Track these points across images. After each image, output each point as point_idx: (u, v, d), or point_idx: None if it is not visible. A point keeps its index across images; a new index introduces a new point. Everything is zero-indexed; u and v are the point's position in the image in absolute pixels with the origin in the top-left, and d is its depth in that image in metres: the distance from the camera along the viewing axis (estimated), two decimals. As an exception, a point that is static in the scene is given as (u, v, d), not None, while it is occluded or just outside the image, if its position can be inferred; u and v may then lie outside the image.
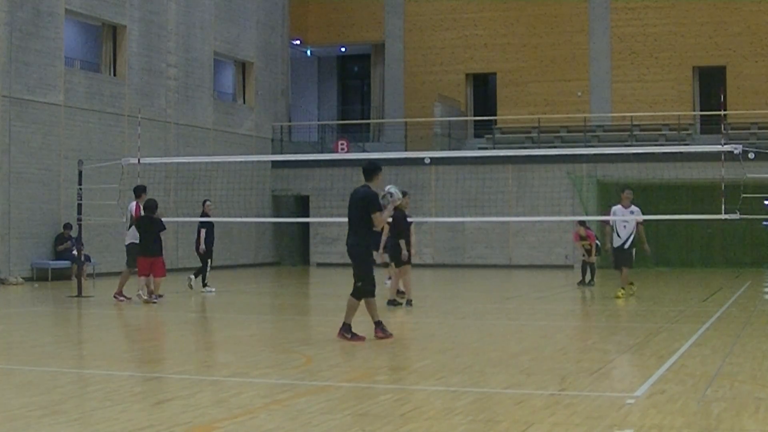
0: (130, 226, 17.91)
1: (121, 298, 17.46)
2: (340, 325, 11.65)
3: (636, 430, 6.59)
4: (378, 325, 11.73)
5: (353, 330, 11.59)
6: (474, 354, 10.66)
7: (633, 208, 17.80)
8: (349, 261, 11.72)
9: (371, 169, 11.73)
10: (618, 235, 17.96)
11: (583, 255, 21.85)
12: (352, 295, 11.67)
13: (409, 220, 16.76)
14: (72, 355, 11.35)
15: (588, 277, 21.62)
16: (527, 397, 7.89)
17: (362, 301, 11.67)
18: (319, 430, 6.69)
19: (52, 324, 15.42)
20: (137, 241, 17.40)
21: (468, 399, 7.89)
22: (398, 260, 16.35)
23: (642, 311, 16.48)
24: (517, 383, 8.62)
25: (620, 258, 18.01)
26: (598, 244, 21.84)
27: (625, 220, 17.71)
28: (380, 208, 11.54)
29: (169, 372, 9.53)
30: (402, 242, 16.22)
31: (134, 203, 17.96)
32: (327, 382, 8.69)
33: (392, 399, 7.88)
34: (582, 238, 21.75)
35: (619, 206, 17.93)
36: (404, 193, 16.73)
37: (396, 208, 16.47)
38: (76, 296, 18.46)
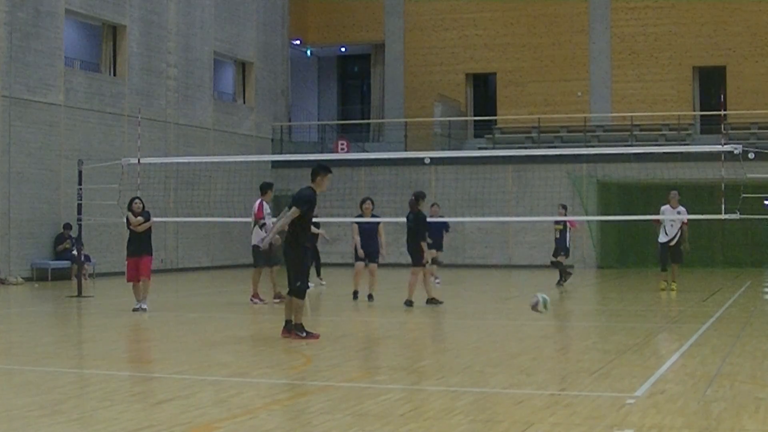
0: (254, 226, 17.55)
1: (256, 301, 17.28)
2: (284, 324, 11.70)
3: (636, 430, 6.59)
4: (297, 327, 11.60)
5: (306, 329, 11.63)
6: (474, 354, 10.66)
7: (680, 208, 19.00)
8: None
9: (313, 171, 11.85)
10: (666, 233, 19.16)
11: (556, 236, 21.68)
12: (293, 295, 11.61)
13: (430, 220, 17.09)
14: (72, 355, 11.34)
15: (564, 278, 21.43)
16: (527, 397, 7.89)
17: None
18: (319, 430, 6.69)
19: (52, 324, 15.42)
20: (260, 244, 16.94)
21: (468, 399, 7.88)
22: (415, 261, 16.43)
23: (642, 311, 16.48)
24: (517, 383, 8.62)
25: (672, 254, 19.23)
26: (567, 244, 21.61)
27: (672, 219, 18.92)
28: (300, 206, 11.52)
29: (169, 372, 9.53)
30: (424, 244, 16.43)
31: (258, 201, 17.46)
32: (327, 382, 8.69)
33: (392, 399, 7.88)
34: (556, 222, 21.79)
35: (667, 206, 19.09)
36: (420, 195, 16.75)
37: (416, 211, 16.56)
38: (76, 296, 18.45)
